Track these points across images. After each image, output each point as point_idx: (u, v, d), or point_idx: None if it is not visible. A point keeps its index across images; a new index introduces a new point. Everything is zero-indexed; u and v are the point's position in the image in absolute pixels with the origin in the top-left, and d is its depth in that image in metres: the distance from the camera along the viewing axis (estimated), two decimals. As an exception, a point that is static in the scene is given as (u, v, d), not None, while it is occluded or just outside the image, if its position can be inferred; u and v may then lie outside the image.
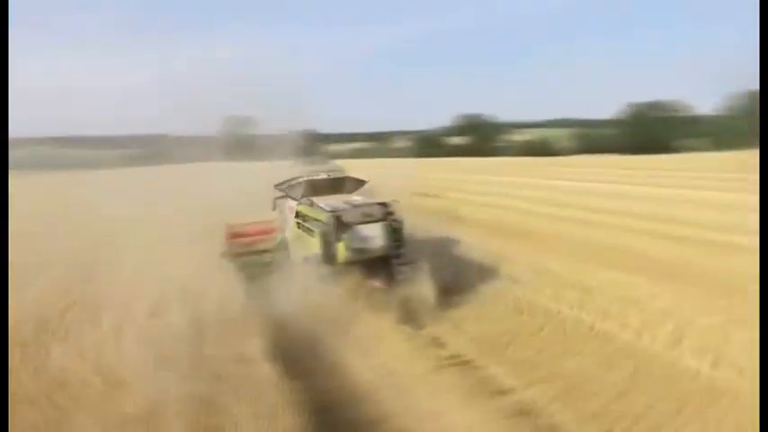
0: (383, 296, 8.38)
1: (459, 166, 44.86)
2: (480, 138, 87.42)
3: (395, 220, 8.93)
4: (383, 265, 8.77)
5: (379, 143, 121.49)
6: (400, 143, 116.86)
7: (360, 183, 11.26)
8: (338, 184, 10.97)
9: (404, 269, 8.74)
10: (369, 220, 8.87)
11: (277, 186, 11.32)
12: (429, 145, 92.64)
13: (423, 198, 21.83)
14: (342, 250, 8.51)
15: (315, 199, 9.85)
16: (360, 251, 8.60)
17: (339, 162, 13.02)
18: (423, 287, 8.64)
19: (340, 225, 8.54)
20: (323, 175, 10.90)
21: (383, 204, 9.05)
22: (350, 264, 8.50)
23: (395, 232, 8.84)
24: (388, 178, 17.15)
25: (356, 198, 10.09)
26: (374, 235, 8.70)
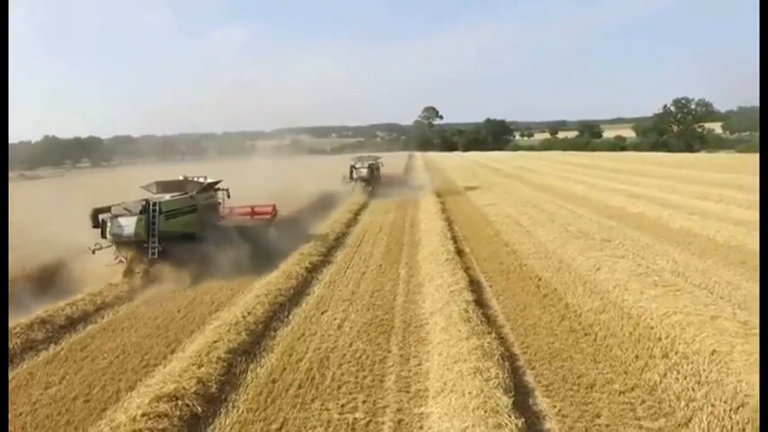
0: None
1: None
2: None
3: (154, 215, 12.34)
4: (138, 246, 12.42)
5: (586, 133, 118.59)
6: (610, 132, 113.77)
7: (199, 184, 14.68)
8: (181, 185, 14.58)
9: (154, 254, 12.33)
10: (126, 214, 12.26)
11: (142, 186, 14.67)
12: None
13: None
14: (107, 233, 12.19)
15: (158, 194, 13.98)
16: (116, 235, 12.21)
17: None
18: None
19: (99, 216, 12.40)
20: (175, 178, 14.93)
21: (151, 203, 12.63)
22: (120, 243, 12.37)
23: (150, 223, 12.28)
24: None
25: (163, 196, 13.82)
26: (127, 224, 12.12)
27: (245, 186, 20.03)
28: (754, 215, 16.76)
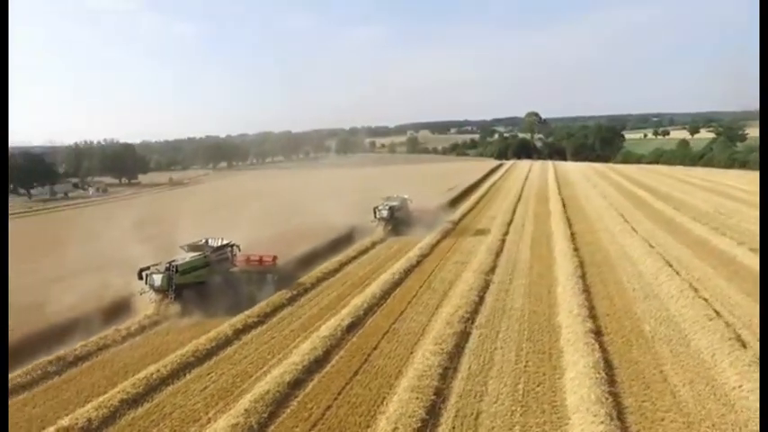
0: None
1: None
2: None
3: (172, 273, 19.24)
4: (165, 293, 19.41)
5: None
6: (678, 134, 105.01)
7: (211, 248, 21.38)
8: (201, 247, 21.62)
9: (172, 297, 19.23)
10: (155, 272, 19.42)
11: (180, 246, 21.60)
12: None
13: None
14: (147, 283, 19.36)
15: (186, 253, 21.29)
16: (151, 286, 19.31)
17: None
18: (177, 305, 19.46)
19: (142, 273, 19.51)
20: (198, 241, 21.94)
21: (172, 265, 19.52)
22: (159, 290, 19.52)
23: (170, 278, 19.21)
24: None
25: (184, 256, 20.94)
26: (156, 279, 19.22)
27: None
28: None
